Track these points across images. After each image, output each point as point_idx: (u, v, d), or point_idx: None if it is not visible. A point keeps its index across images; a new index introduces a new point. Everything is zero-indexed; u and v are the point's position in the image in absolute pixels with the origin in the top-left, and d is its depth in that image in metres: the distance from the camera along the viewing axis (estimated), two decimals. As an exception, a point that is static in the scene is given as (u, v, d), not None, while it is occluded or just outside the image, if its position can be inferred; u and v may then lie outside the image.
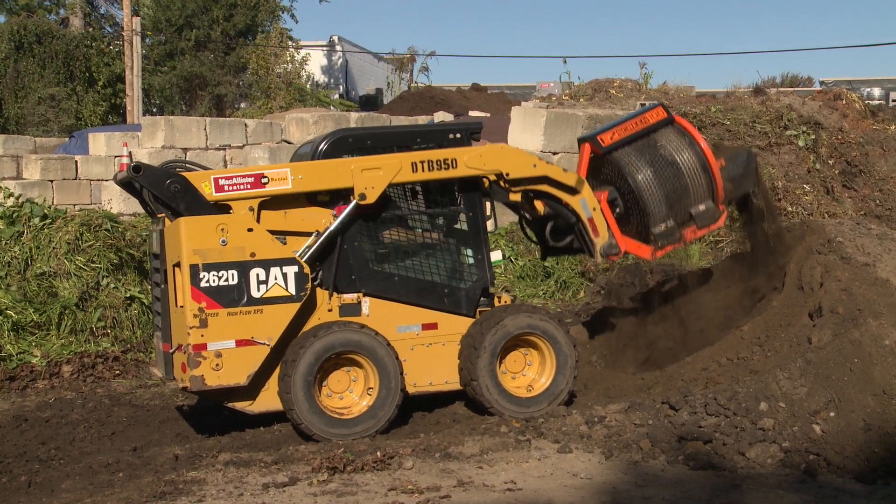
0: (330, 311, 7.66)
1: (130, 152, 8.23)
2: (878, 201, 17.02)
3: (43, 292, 10.66)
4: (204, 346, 7.27)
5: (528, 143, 17.94)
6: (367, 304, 7.75)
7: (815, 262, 7.96)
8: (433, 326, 7.83)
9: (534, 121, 18.19)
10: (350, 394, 7.56)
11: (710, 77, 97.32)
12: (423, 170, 7.78)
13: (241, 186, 7.56)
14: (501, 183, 8.03)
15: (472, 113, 25.94)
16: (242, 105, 36.36)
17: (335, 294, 7.68)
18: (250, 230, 7.42)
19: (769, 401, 6.45)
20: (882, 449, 6.05)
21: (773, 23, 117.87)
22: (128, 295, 11.10)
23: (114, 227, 11.68)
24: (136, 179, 7.54)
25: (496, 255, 8.09)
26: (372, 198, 7.64)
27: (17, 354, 10.02)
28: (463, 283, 7.96)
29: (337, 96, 40.03)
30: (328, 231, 7.63)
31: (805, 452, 6.11)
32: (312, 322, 7.58)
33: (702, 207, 8.51)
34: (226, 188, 7.54)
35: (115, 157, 19.54)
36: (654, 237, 8.47)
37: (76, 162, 22.35)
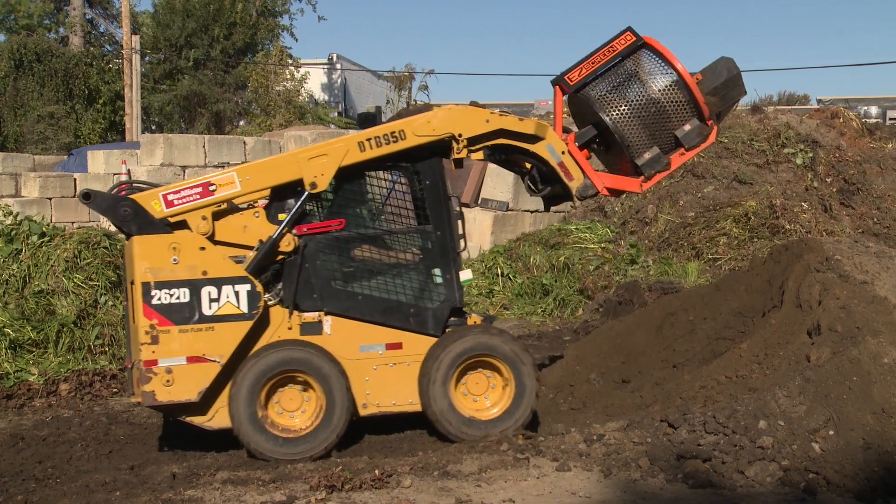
0: (290, 329, 7.65)
1: (129, 170, 8.35)
2: (875, 219, 17.07)
3: (41, 310, 10.66)
4: (155, 363, 7.36)
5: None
6: (328, 322, 7.70)
7: (813, 280, 7.95)
8: (398, 346, 7.71)
9: (532, 139, 18.19)
10: (301, 413, 7.56)
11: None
12: (371, 147, 7.68)
13: (191, 198, 7.61)
14: (459, 144, 7.82)
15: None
16: (242, 123, 36.46)
17: (296, 312, 7.66)
18: (203, 248, 7.51)
19: (768, 419, 6.44)
20: (881, 467, 6.03)
21: (770, 41, 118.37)
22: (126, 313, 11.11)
23: (112, 244, 11.69)
24: (88, 206, 7.63)
25: (466, 275, 7.90)
26: (323, 185, 7.63)
27: (14, 372, 10.02)
28: (430, 302, 7.81)
29: (336, 114, 40.13)
30: (271, 239, 7.59)
31: (804, 471, 6.09)
32: (272, 340, 7.62)
33: (687, 127, 8.11)
34: (175, 202, 7.61)
35: (114, 174, 19.58)
36: (640, 168, 8.13)
37: (75, 180, 22.37)
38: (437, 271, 7.84)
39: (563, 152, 8.06)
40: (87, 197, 7.58)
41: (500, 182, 17.89)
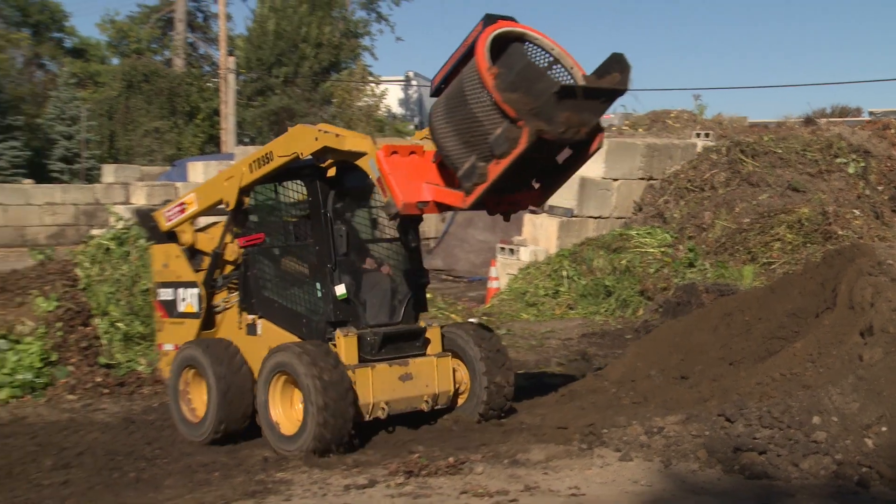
0: (240, 329, 8.04)
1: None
2: (926, 225, 16.54)
3: (148, 306, 10.84)
4: (161, 346, 8.73)
5: (590, 170, 17.89)
6: (260, 325, 7.91)
7: (865, 283, 7.75)
8: None
9: (595, 149, 18.07)
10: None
11: (762, 108, 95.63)
12: (255, 169, 7.74)
13: (175, 215, 8.51)
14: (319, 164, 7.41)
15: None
16: (326, 136, 36.81)
17: (244, 313, 8.00)
18: (178, 256, 8.45)
19: (822, 415, 6.29)
20: (932, 463, 5.85)
21: (822, 56, 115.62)
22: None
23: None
24: (137, 223, 8.86)
25: (339, 290, 7.42)
26: (231, 203, 7.96)
27: (125, 363, 10.25)
28: (314, 315, 7.60)
29: (412, 127, 40.34)
30: (215, 251, 8.18)
31: (857, 465, 5.93)
32: (233, 335, 8.10)
33: (498, 132, 6.32)
34: (170, 219, 8.54)
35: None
36: (460, 180, 6.68)
37: (176, 188, 22.88)
38: (318, 285, 7.58)
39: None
40: (136, 213, 8.81)
41: (565, 190, 17.78)
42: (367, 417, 7.36)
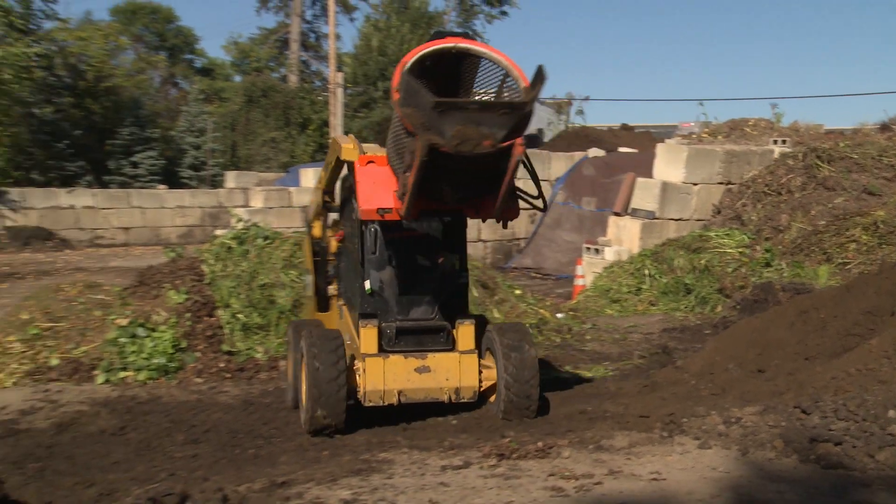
0: (336, 311, 8.44)
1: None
2: None
3: (264, 300, 11.09)
4: None
5: (671, 175, 17.60)
6: (343, 311, 8.15)
7: (941, 283, 7.42)
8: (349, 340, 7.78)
9: (676, 156, 17.82)
10: None
11: (839, 116, 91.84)
12: (325, 173, 8.20)
13: (308, 212, 9.08)
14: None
15: (620, 149, 25.60)
16: (425, 144, 37.09)
17: (339, 299, 8.41)
18: (307, 247, 8.91)
19: (897, 409, 6.04)
20: None
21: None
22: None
23: (320, 246, 12.11)
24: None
25: (367, 285, 7.45)
26: (320, 203, 8.63)
27: (245, 350, 10.49)
28: (357, 306, 7.64)
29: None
30: (321, 244, 8.82)
31: (933, 458, 5.68)
32: (333, 317, 8.53)
33: (408, 146, 6.26)
34: (310, 214, 9.06)
35: (322, 188, 20.26)
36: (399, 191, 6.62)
37: (290, 192, 23.36)
38: (358, 280, 7.63)
39: None
40: (302, 209, 9.25)
41: (647, 194, 17.52)
42: (381, 402, 7.49)
